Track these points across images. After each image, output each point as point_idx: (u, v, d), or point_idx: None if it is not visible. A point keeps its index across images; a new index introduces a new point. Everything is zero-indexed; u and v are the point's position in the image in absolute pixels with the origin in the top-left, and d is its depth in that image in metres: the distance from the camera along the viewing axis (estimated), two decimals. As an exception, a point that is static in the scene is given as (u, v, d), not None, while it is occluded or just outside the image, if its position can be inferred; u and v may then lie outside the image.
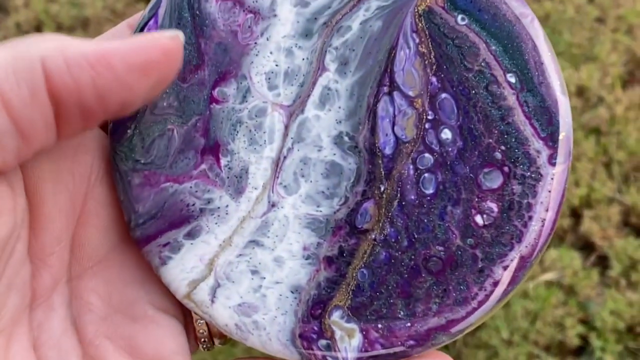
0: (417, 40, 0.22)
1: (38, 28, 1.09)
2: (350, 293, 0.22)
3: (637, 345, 0.85)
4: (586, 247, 0.92)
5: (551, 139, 0.22)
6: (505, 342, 0.85)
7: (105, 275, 0.23)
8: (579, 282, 0.88)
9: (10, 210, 0.20)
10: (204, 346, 0.24)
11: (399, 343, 0.22)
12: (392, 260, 0.22)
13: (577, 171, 0.95)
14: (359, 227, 0.22)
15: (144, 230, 0.23)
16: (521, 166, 0.22)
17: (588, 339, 0.85)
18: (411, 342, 0.22)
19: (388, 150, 0.22)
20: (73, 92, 0.18)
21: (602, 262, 0.91)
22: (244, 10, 0.22)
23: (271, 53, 0.22)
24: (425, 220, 0.22)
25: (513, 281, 0.22)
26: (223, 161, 0.22)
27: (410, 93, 0.22)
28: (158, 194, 0.22)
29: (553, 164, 0.22)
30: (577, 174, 0.95)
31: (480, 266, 0.22)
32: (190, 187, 0.22)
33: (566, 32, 1.08)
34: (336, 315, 0.22)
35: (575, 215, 0.94)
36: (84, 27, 1.08)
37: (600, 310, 0.86)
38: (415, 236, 0.22)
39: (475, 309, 0.22)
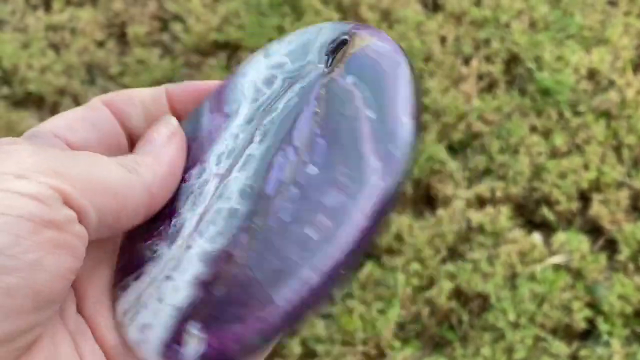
0: (315, 104, 0.28)
1: None
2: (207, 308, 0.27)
3: (644, 330, 0.84)
4: (594, 230, 0.92)
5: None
6: (512, 324, 0.85)
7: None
8: (587, 265, 0.87)
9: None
10: None
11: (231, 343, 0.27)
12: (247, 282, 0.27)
13: (587, 154, 0.95)
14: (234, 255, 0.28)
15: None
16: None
17: (595, 323, 0.85)
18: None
19: (272, 193, 0.27)
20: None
21: (611, 246, 0.91)
22: (221, 116, 0.29)
23: (226, 139, 0.29)
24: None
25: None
26: (173, 221, 0.28)
27: (298, 144, 0.27)
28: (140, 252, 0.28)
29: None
30: (586, 157, 0.95)
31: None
32: (149, 243, 0.28)
33: (578, 14, 1.07)
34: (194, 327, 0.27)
35: (584, 198, 0.93)
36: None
37: (608, 294, 0.85)
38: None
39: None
